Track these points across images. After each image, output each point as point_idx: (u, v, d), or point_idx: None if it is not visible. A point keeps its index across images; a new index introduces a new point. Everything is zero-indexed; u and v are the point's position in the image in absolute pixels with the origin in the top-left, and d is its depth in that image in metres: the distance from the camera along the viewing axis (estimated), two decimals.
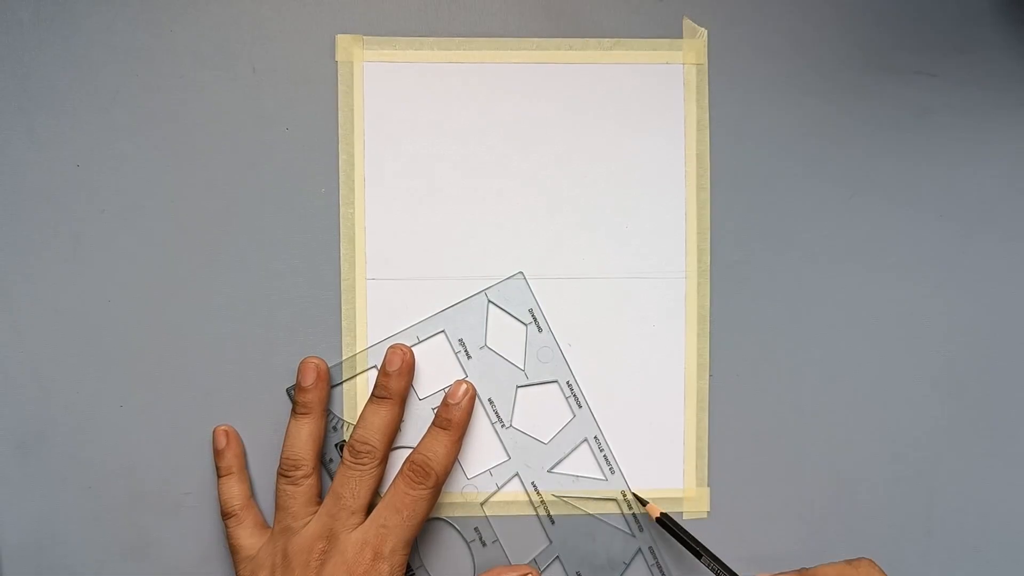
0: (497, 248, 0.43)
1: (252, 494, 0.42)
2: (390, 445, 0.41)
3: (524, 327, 0.43)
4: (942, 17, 0.44)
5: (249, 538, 0.41)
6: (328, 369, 0.42)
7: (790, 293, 0.44)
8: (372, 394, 0.42)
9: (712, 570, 0.40)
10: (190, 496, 0.42)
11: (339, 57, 0.43)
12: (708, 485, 0.44)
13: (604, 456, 0.43)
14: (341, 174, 0.43)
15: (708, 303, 0.44)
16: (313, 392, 0.41)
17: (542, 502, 0.43)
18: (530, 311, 0.43)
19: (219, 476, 0.42)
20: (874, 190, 0.44)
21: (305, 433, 0.41)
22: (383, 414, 0.41)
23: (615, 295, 0.43)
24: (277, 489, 0.41)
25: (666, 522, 0.42)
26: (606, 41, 0.43)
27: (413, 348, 0.42)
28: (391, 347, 0.42)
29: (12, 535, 0.42)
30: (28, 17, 0.42)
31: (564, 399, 0.43)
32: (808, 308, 0.44)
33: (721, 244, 0.44)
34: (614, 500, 0.43)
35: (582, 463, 0.43)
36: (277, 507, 0.41)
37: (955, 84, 0.44)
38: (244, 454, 0.43)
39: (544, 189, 0.43)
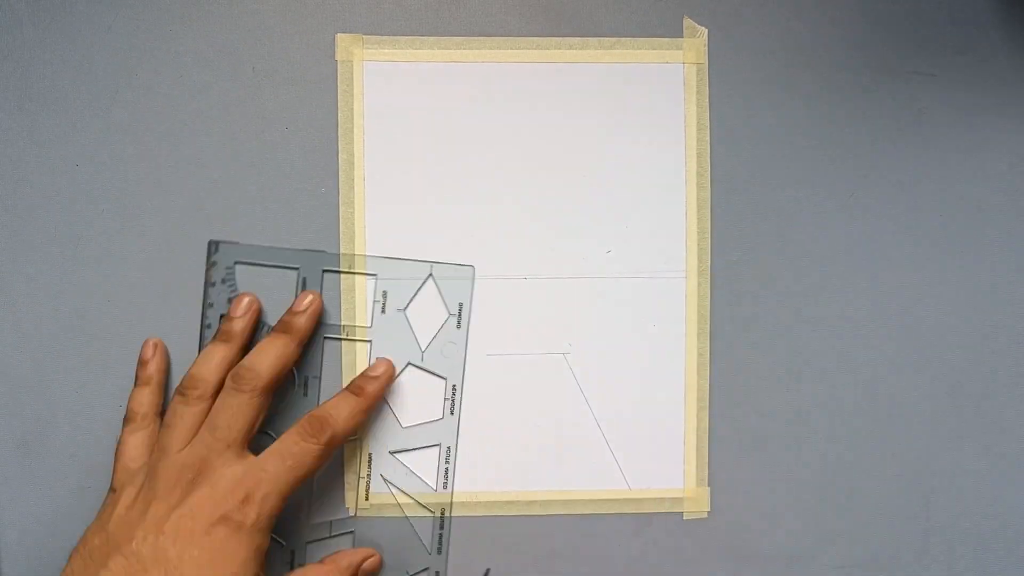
0: (497, 247, 0.43)
1: (161, 412, 0.41)
2: (277, 377, 0.39)
3: (446, 316, 0.43)
4: (941, 17, 0.44)
5: (136, 448, 0.39)
6: (260, 307, 0.42)
7: (790, 293, 0.44)
8: (272, 328, 0.41)
9: None
10: None
11: (339, 57, 0.43)
12: (708, 485, 0.44)
13: (446, 469, 0.43)
14: (341, 174, 0.43)
15: (708, 303, 0.44)
16: (239, 323, 0.41)
17: (368, 475, 0.43)
18: (459, 305, 0.43)
19: (135, 385, 0.41)
20: (873, 190, 0.44)
21: (218, 357, 0.40)
22: (279, 344, 0.40)
23: (615, 295, 0.43)
24: (169, 406, 0.39)
25: None
26: (606, 41, 0.43)
27: (344, 275, 0.42)
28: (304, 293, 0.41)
29: (12, 535, 0.42)
30: (28, 17, 0.42)
31: (443, 399, 0.43)
32: (808, 308, 0.44)
33: (721, 244, 0.44)
34: (432, 515, 0.43)
35: (424, 464, 0.43)
36: (163, 424, 0.39)
37: (954, 84, 0.44)
38: (168, 371, 0.42)
39: (544, 189, 0.43)
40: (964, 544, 0.44)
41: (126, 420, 0.40)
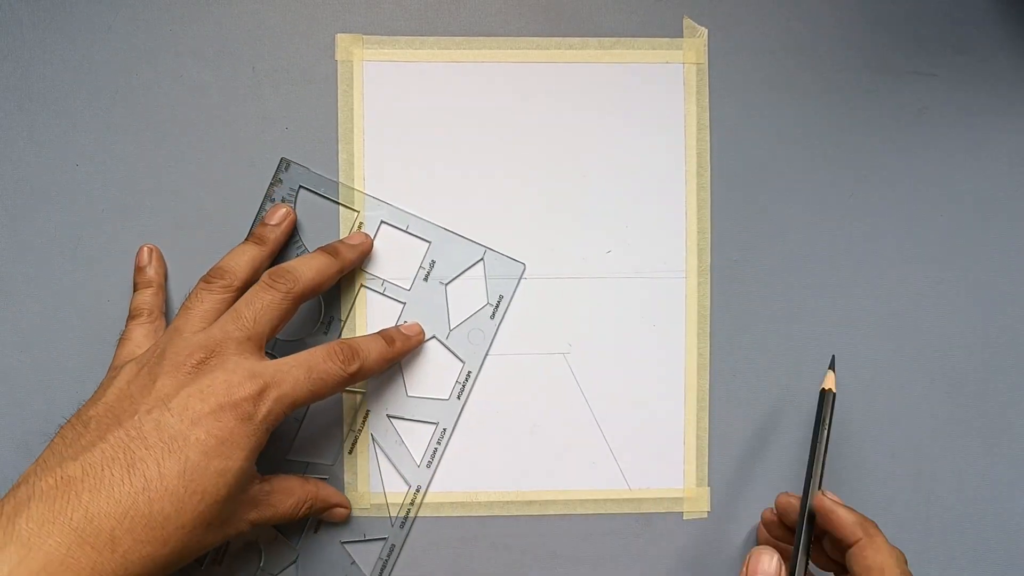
0: (497, 247, 0.43)
1: (164, 312, 0.41)
2: (314, 291, 0.39)
3: (484, 303, 0.43)
4: (941, 17, 0.44)
5: (143, 336, 0.39)
6: (296, 219, 0.42)
7: (790, 292, 0.44)
8: (319, 248, 0.40)
9: None
10: None
11: (339, 56, 0.43)
12: (708, 485, 0.44)
13: (435, 449, 0.43)
14: (341, 174, 0.43)
15: (708, 303, 0.44)
16: (274, 230, 0.40)
17: (359, 430, 0.43)
18: (500, 297, 0.43)
19: (135, 290, 0.41)
20: (873, 189, 0.44)
21: (249, 255, 0.39)
22: (323, 262, 0.39)
23: (615, 295, 0.43)
24: (190, 292, 0.38)
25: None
26: (606, 41, 0.43)
27: (400, 232, 0.42)
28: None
29: None
30: (28, 17, 0.42)
31: (454, 382, 0.43)
32: (808, 307, 0.44)
33: (721, 244, 0.44)
34: (400, 502, 0.43)
35: (415, 437, 0.43)
36: (181, 307, 0.37)
37: (954, 84, 0.44)
38: (165, 275, 0.42)
39: (544, 189, 0.43)
40: (964, 544, 0.44)
41: (131, 316, 0.40)
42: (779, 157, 0.44)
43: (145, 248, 0.41)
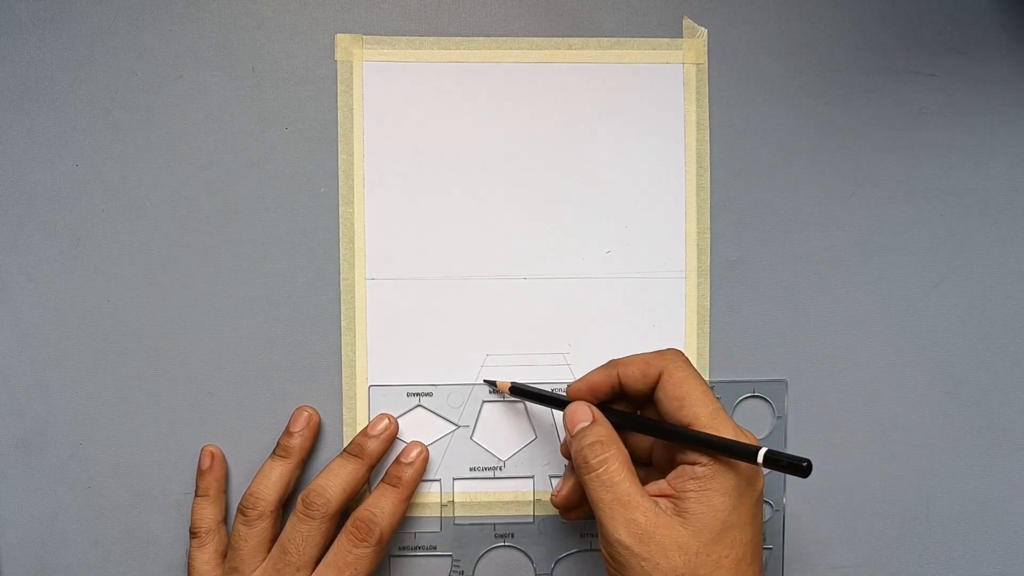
0: (497, 247, 0.43)
1: (224, 519, 0.42)
2: (347, 501, 0.40)
3: (454, 428, 0.43)
4: (941, 17, 0.44)
5: (205, 564, 0.41)
6: (319, 421, 0.42)
7: (790, 292, 0.44)
8: (344, 450, 0.41)
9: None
10: (190, 496, 0.42)
11: (339, 57, 0.43)
12: None
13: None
14: (341, 174, 0.43)
15: (708, 303, 0.44)
16: (297, 438, 0.41)
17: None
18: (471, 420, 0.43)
19: (195, 495, 0.42)
20: (873, 189, 0.44)
21: (275, 475, 0.41)
22: (350, 469, 0.40)
23: (615, 295, 0.43)
24: (232, 526, 0.41)
25: (520, 388, 0.42)
26: (606, 41, 0.43)
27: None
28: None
29: (12, 535, 0.42)
30: (28, 17, 0.42)
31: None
32: (808, 307, 0.44)
33: (721, 244, 0.44)
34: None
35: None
36: (229, 545, 0.40)
37: (954, 84, 0.44)
38: (227, 477, 0.42)
39: (544, 189, 0.43)
40: (964, 544, 0.44)
41: (192, 534, 0.41)
42: (779, 157, 0.44)
43: (207, 450, 0.42)
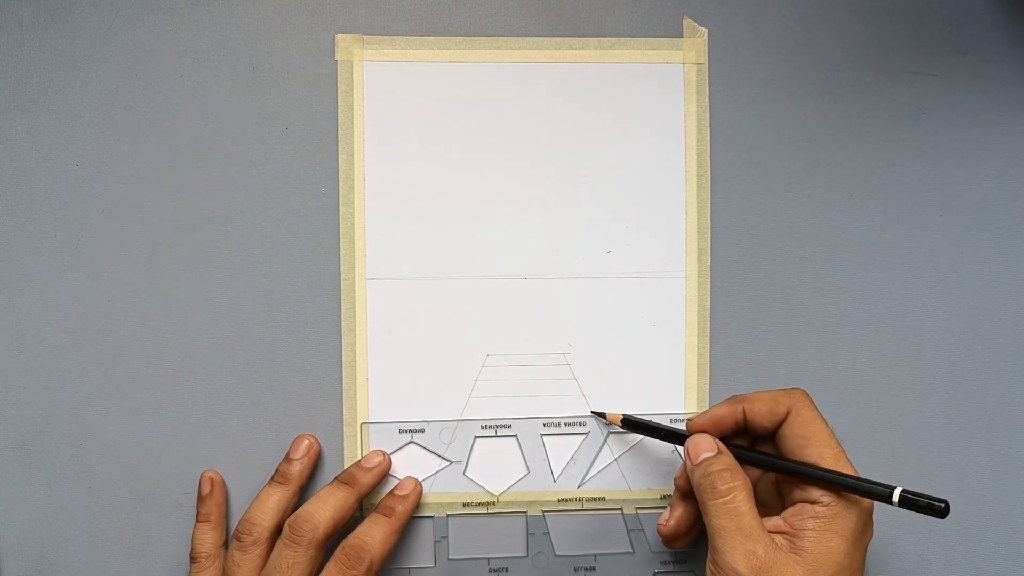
0: (497, 247, 0.43)
1: (225, 544, 0.42)
2: (335, 529, 0.40)
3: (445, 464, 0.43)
4: (941, 17, 0.44)
5: None
6: (320, 449, 0.42)
7: (790, 292, 0.44)
8: (336, 478, 0.41)
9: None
10: (190, 496, 0.42)
11: (339, 57, 0.43)
12: None
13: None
14: (341, 174, 0.43)
15: (708, 303, 0.44)
16: (297, 465, 0.41)
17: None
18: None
19: (196, 521, 0.42)
20: (873, 189, 0.44)
21: (273, 501, 0.40)
22: (340, 496, 0.40)
23: (615, 295, 0.43)
24: (227, 551, 0.40)
25: (632, 420, 0.42)
26: (606, 41, 0.43)
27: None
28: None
29: (12, 535, 0.42)
30: (28, 17, 0.42)
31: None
32: (808, 307, 0.44)
33: (721, 244, 0.44)
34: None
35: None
36: (224, 572, 0.40)
37: (954, 84, 0.44)
38: (227, 503, 0.42)
39: (544, 188, 0.43)
40: (964, 544, 0.44)
41: (192, 559, 0.41)
42: (779, 157, 0.44)
43: (207, 476, 0.42)
